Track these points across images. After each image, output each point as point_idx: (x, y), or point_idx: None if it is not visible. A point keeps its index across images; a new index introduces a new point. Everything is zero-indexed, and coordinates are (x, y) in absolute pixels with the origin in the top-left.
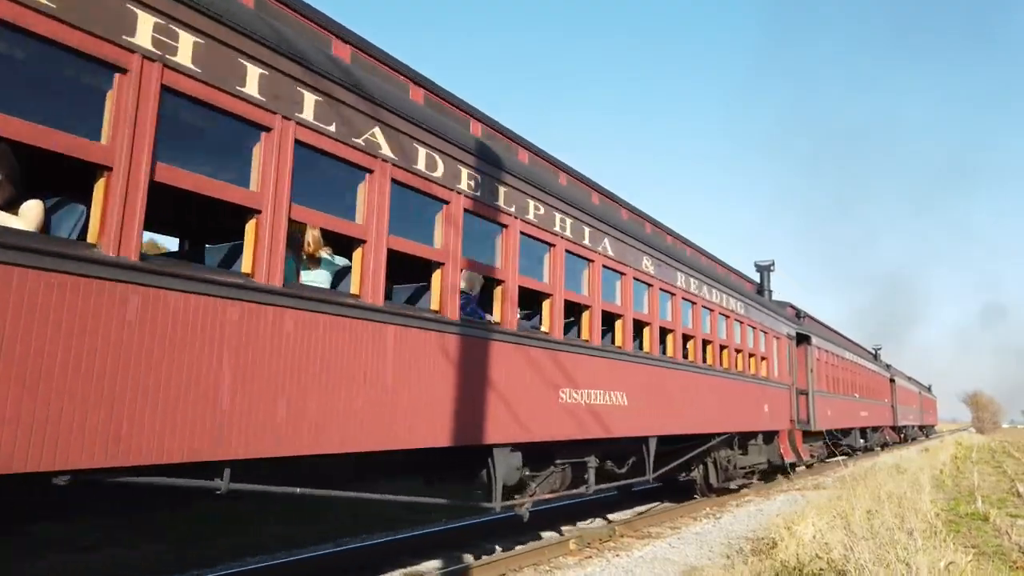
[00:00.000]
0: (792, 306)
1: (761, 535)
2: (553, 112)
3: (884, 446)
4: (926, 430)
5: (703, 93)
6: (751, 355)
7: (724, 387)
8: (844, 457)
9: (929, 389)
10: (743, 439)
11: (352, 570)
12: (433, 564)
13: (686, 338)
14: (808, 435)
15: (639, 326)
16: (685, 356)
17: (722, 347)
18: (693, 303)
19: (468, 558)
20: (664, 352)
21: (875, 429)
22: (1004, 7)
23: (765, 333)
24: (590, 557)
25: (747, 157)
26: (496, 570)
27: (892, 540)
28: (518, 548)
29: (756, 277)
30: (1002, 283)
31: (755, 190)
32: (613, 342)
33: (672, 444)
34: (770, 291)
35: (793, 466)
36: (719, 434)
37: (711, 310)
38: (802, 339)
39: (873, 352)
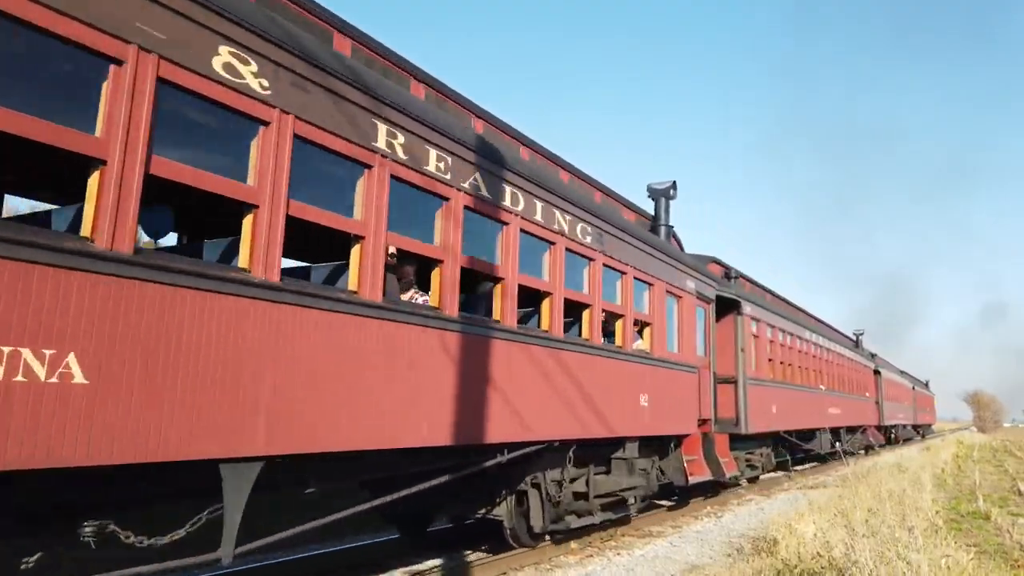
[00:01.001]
0: (718, 261)
1: (762, 533)
2: (553, 112)
3: (868, 449)
4: (922, 430)
5: (703, 94)
6: (615, 316)
7: (535, 362)
8: (804, 467)
9: (926, 385)
10: (598, 451)
11: (353, 568)
12: (434, 562)
13: (418, 264)
14: (742, 440)
15: (225, 209)
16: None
17: (536, 294)
18: (444, 200)
19: (469, 556)
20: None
21: (853, 430)
22: (1003, 7)
23: (650, 285)
24: (591, 556)
25: (747, 158)
26: (497, 568)
27: (893, 538)
28: (519, 547)
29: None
30: (1003, 283)
31: (755, 190)
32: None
33: (372, 469)
34: (669, 227)
35: (719, 485)
36: (527, 444)
37: (503, 224)
38: (728, 306)
39: (854, 338)
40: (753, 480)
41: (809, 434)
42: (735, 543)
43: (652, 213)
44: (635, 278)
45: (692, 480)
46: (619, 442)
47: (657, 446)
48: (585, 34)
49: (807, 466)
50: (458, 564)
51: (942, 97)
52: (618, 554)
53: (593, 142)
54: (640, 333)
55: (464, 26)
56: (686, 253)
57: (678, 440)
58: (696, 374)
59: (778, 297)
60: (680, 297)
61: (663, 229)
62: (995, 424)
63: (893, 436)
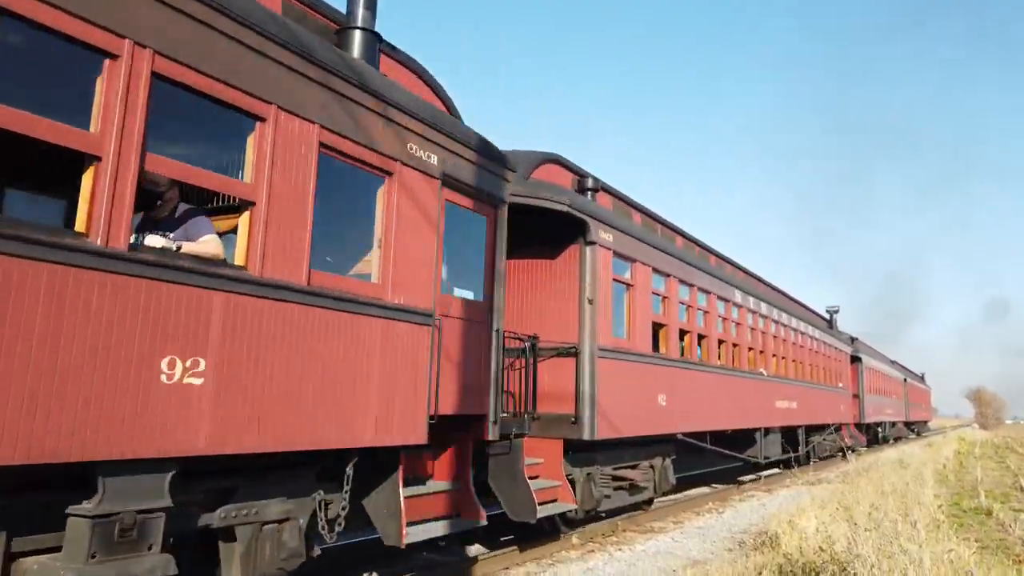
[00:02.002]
0: (563, 162)
1: (764, 529)
2: (549, 105)
3: (844, 453)
4: (917, 427)
5: (698, 89)
6: (70, 166)
7: None
8: (749, 477)
9: (922, 378)
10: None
11: (358, 562)
12: (437, 557)
13: None
14: (604, 448)
15: None
16: None
17: None
18: None
19: (471, 551)
20: None
21: (819, 429)
22: (1004, 3)
23: (252, 118)
24: (592, 551)
25: (745, 152)
26: (499, 564)
27: (895, 532)
28: (520, 543)
29: None
30: (1004, 280)
31: (752, 184)
32: None
33: None
34: (373, 35)
35: (539, 527)
36: None
37: None
38: (568, 229)
39: (827, 316)
40: (641, 506)
41: (744, 436)
42: (737, 538)
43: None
44: (168, 78)
45: (412, 536)
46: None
47: (317, 471)
48: (577, 27)
49: (751, 477)
50: (461, 558)
51: (934, 92)
52: (619, 549)
53: (585, 134)
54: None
55: (458, 18)
56: (446, 115)
57: (383, 459)
58: (432, 328)
59: (690, 239)
60: (390, 174)
61: (357, 37)
62: (997, 421)
63: (880, 435)
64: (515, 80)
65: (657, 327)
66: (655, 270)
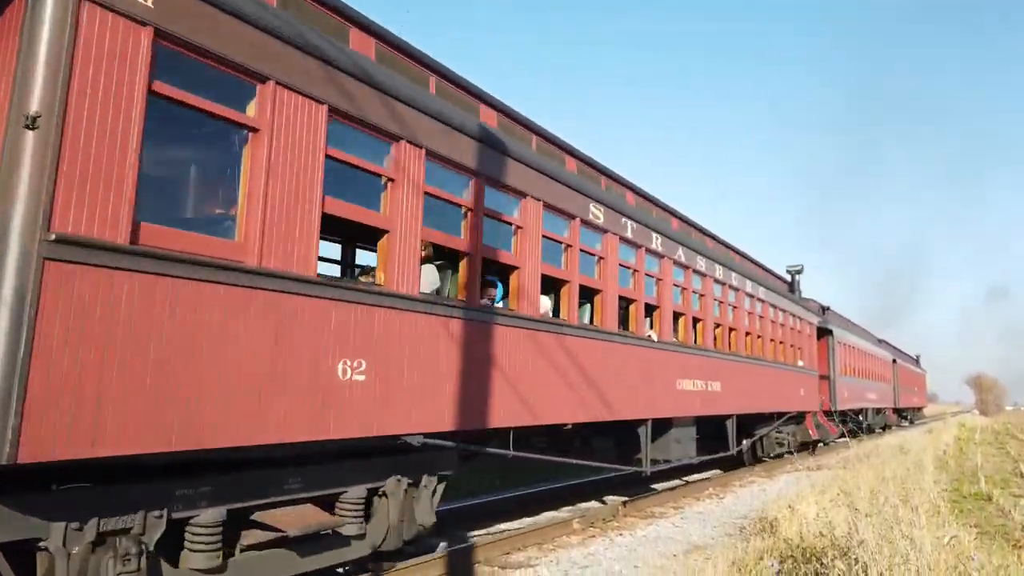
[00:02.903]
0: None
1: (764, 515)
2: (557, 92)
3: (810, 448)
4: (909, 415)
5: (693, 85)
6: None
7: None
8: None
9: (916, 361)
10: None
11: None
12: (435, 541)
13: None
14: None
15: None
16: None
17: None
18: None
19: (472, 536)
20: None
21: (763, 418)
22: None
23: None
24: (593, 536)
25: (760, 137)
26: (500, 548)
27: (896, 518)
28: (522, 527)
29: None
30: (1005, 272)
31: (754, 182)
32: None
33: None
34: None
35: None
36: None
37: None
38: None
39: (788, 278)
40: (368, 568)
41: (621, 432)
42: (737, 523)
43: None
44: None
45: None
46: None
47: None
48: (589, 13)
49: (675, 483)
50: (463, 544)
51: (935, 92)
52: (620, 534)
53: (591, 119)
54: None
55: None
56: None
57: None
58: None
59: (533, 128)
60: None
61: None
62: (997, 407)
63: (864, 424)
64: (514, 75)
65: (368, 234)
66: (349, 118)
